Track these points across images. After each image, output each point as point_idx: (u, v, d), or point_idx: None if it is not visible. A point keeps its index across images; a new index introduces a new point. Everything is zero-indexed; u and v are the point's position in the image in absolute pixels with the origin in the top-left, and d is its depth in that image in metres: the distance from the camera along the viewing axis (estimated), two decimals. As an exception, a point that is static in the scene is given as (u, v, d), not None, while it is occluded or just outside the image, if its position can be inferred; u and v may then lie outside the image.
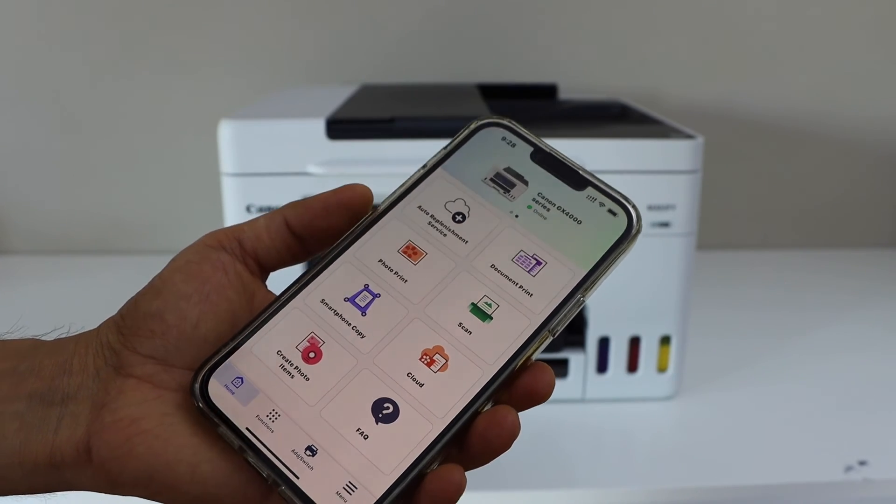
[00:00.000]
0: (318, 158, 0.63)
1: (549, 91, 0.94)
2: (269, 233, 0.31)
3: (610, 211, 0.29)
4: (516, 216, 0.28)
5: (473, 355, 0.26)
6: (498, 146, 0.29)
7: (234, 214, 0.64)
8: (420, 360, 0.26)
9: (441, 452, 0.25)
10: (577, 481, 0.60)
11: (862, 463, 0.61)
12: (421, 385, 0.25)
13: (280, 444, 0.25)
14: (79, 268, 1.08)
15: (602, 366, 0.70)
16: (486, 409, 0.26)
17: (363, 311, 0.27)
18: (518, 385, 0.26)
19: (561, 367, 0.70)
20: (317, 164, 0.63)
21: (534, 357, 0.27)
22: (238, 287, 0.30)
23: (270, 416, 0.25)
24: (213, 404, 0.26)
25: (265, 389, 0.26)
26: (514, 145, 0.30)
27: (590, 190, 0.28)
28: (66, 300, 0.96)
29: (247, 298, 0.30)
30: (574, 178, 0.29)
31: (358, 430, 0.25)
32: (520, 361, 0.26)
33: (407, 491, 0.24)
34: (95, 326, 0.30)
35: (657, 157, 0.64)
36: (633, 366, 0.70)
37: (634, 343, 0.69)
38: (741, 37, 1.06)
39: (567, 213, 0.28)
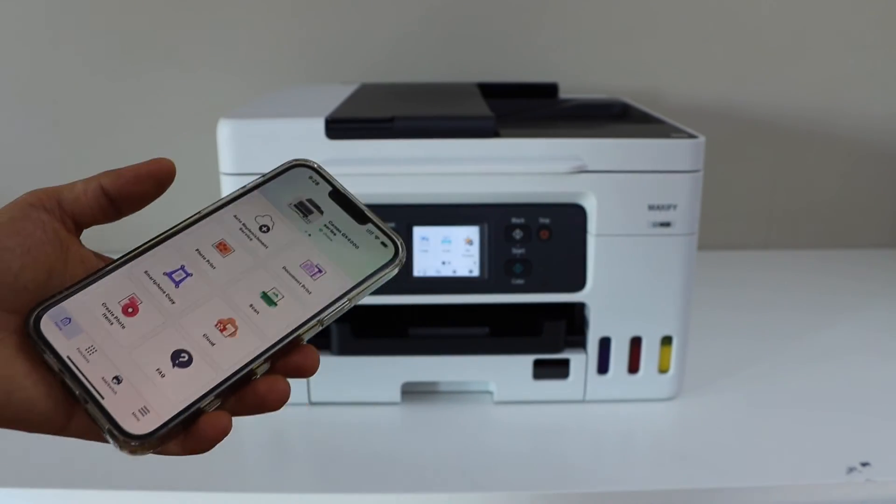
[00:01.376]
0: (318, 158, 0.62)
1: (549, 90, 0.94)
2: (86, 195, 0.36)
3: (382, 243, 0.36)
4: (309, 235, 0.36)
5: (257, 329, 0.34)
6: (305, 182, 0.38)
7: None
8: (215, 326, 0.33)
9: (220, 396, 0.32)
10: (577, 482, 0.60)
11: (864, 464, 0.61)
12: (213, 344, 0.33)
13: (92, 372, 0.31)
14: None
15: (603, 366, 0.70)
16: (261, 369, 0.34)
17: (177, 284, 0.35)
18: (290, 359, 0.34)
19: (562, 368, 0.69)
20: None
21: (305, 339, 0.35)
22: (55, 242, 0.34)
23: (89, 350, 0.32)
24: (43, 335, 0.32)
25: (87, 330, 0.33)
26: (317, 183, 0.38)
27: (369, 225, 0.37)
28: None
29: (62, 252, 0.34)
30: (359, 214, 0.37)
31: (157, 370, 0.32)
32: (292, 338, 0.34)
33: (187, 421, 0.31)
34: None
35: (658, 156, 0.64)
36: (634, 366, 0.70)
37: (635, 344, 0.69)
38: (742, 36, 1.05)
39: (349, 239, 0.36)
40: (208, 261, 0.36)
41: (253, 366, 0.33)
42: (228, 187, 0.64)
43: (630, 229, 0.65)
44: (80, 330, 0.33)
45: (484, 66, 1.05)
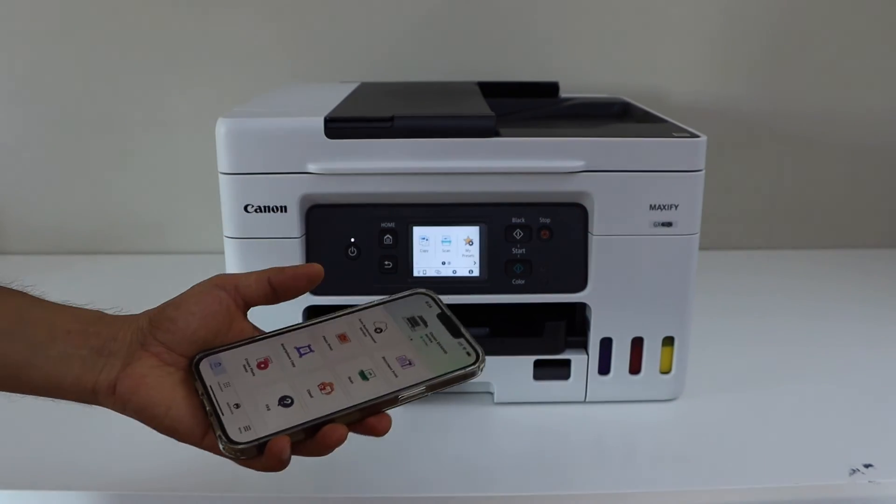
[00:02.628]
0: (317, 157, 0.63)
1: (550, 89, 0.94)
2: (256, 283, 0.49)
3: (467, 352, 0.47)
4: (411, 339, 0.48)
5: (348, 393, 0.45)
6: (421, 304, 0.50)
7: (231, 214, 0.64)
8: (318, 385, 0.45)
9: (304, 432, 0.43)
10: (578, 483, 0.59)
11: (867, 466, 0.61)
12: (311, 396, 0.44)
13: (222, 398, 0.44)
14: (76, 268, 1.07)
15: (604, 367, 0.69)
16: (341, 421, 0.44)
17: (301, 355, 0.48)
18: (368, 420, 0.45)
19: (563, 369, 0.69)
20: (315, 162, 0.63)
21: (384, 409, 0.45)
22: (226, 314, 0.48)
23: (225, 385, 0.45)
24: (199, 370, 0.46)
25: (229, 372, 0.46)
26: (430, 306, 0.50)
27: (461, 339, 0.48)
28: (64, 299, 0.95)
29: (229, 322, 0.48)
30: (455, 330, 0.48)
31: (266, 405, 0.44)
32: (371, 405, 0.44)
33: (264, 443, 0.42)
34: (140, 312, 0.48)
35: (660, 156, 0.63)
36: (635, 367, 0.69)
37: (637, 344, 0.69)
38: (744, 36, 1.05)
39: (441, 346, 0.47)
40: (329, 344, 0.48)
41: (335, 416, 0.43)
42: (227, 187, 0.63)
43: (631, 229, 0.65)
44: (224, 371, 0.46)
45: (484, 65, 1.05)
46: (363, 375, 0.46)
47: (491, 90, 0.85)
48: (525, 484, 0.59)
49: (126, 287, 1.01)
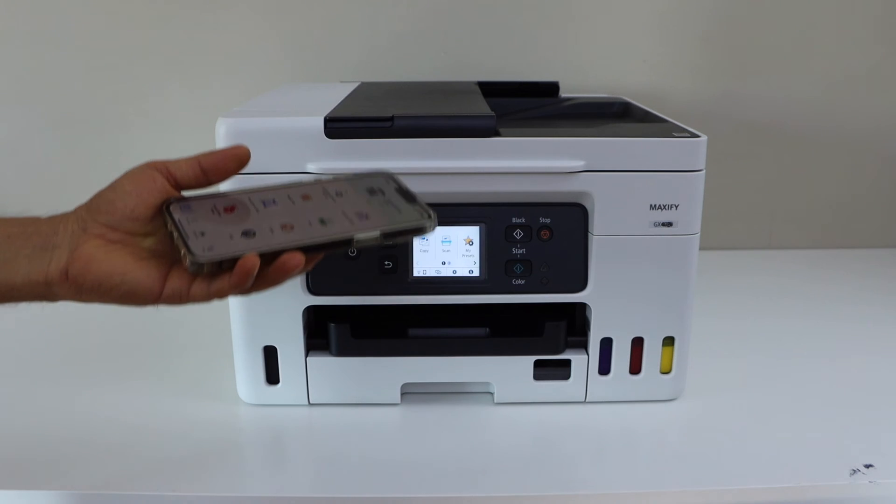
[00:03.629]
0: (317, 157, 0.63)
1: (550, 89, 0.94)
2: (187, 165, 0.51)
3: (420, 213, 0.50)
4: (368, 202, 0.52)
5: (306, 232, 0.49)
6: (380, 180, 0.54)
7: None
8: (280, 225, 0.49)
9: (262, 257, 0.47)
10: (578, 483, 0.59)
11: (867, 466, 0.61)
12: (272, 231, 0.48)
13: (190, 228, 0.48)
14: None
15: (604, 367, 0.69)
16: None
17: (265, 205, 0.51)
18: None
19: (563, 369, 0.69)
20: (315, 162, 0.63)
21: (340, 251, 0.49)
22: (162, 192, 0.50)
23: (193, 220, 0.49)
24: (170, 210, 0.49)
25: (196, 212, 0.50)
26: (389, 182, 0.54)
27: (416, 205, 0.51)
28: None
29: (165, 198, 0.50)
30: (411, 198, 0.52)
31: (230, 235, 0.48)
32: (328, 243, 0.48)
33: (229, 263, 0.47)
34: (72, 210, 0.50)
35: (660, 155, 0.63)
36: (635, 367, 0.69)
37: (637, 344, 0.68)
38: (744, 36, 1.05)
39: (396, 207, 0.51)
40: (292, 201, 0.52)
41: (290, 247, 0.48)
42: (227, 187, 0.63)
43: (631, 229, 0.65)
44: (192, 211, 0.50)
45: (484, 65, 1.05)
46: (322, 221, 0.50)
47: (491, 90, 0.85)
48: (525, 484, 0.59)
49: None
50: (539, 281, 0.66)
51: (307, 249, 0.48)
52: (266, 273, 0.48)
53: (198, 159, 0.51)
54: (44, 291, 0.48)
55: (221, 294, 0.48)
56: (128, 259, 0.48)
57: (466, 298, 0.66)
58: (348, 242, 0.49)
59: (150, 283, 0.48)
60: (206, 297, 0.48)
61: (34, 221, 0.49)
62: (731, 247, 1.14)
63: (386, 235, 0.49)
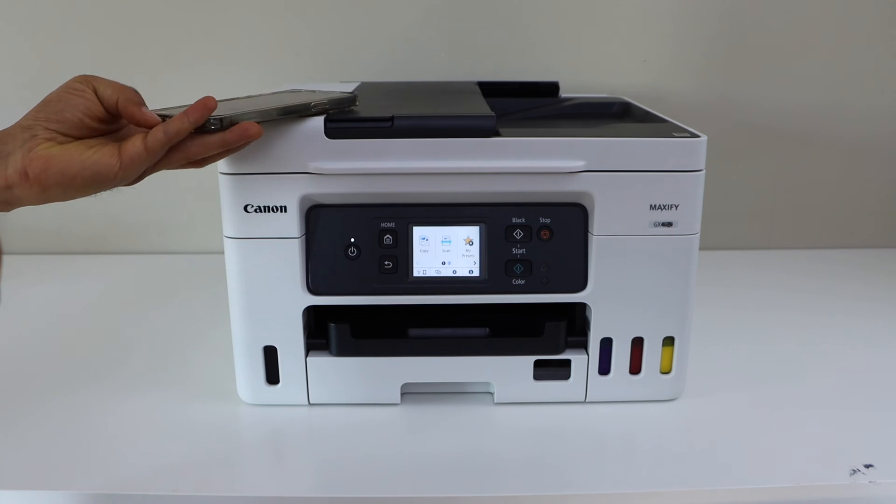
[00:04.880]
0: (317, 157, 0.63)
1: (550, 89, 0.94)
2: (110, 95, 0.56)
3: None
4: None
5: (257, 104, 0.61)
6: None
7: (231, 214, 0.64)
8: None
9: (219, 121, 0.56)
10: (578, 484, 0.59)
11: (868, 466, 0.61)
12: (234, 112, 0.57)
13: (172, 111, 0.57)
14: (76, 268, 1.07)
15: (604, 367, 0.69)
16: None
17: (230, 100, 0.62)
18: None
19: (563, 369, 0.69)
20: (315, 162, 0.63)
21: (303, 113, 0.62)
22: (98, 103, 0.55)
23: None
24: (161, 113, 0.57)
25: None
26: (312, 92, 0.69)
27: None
28: (64, 299, 0.96)
29: (106, 112, 0.56)
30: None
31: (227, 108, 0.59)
32: (292, 108, 0.62)
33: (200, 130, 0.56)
34: (17, 121, 0.55)
35: (660, 155, 0.63)
36: (635, 367, 0.69)
37: (637, 344, 0.68)
38: (744, 36, 1.05)
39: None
40: (250, 98, 0.65)
41: (254, 114, 0.58)
42: (227, 187, 0.63)
43: (631, 229, 0.65)
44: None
45: (484, 65, 1.05)
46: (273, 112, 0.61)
47: (491, 90, 0.85)
48: (525, 484, 0.59)
49: (126, 287, 1.01)
50: (539, 281, 0.66)
51: (283, 113, 0.60)
52: (225, 135, 0.56)
53: (117, 94, 0.56)
54: (6, 197, 0.52)
55: (179, 131, 0.54)
56: (81, 148, 0.53)
57: (466, 298, 0.66)
58: (307, 106, 0.62)
59: (109, 160, 0.53)
60: (164, 141, 0.54)
61: None
62: (731, 247, 1.14)
63: (332, 103, 0.63)
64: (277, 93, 0.69)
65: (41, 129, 0.53)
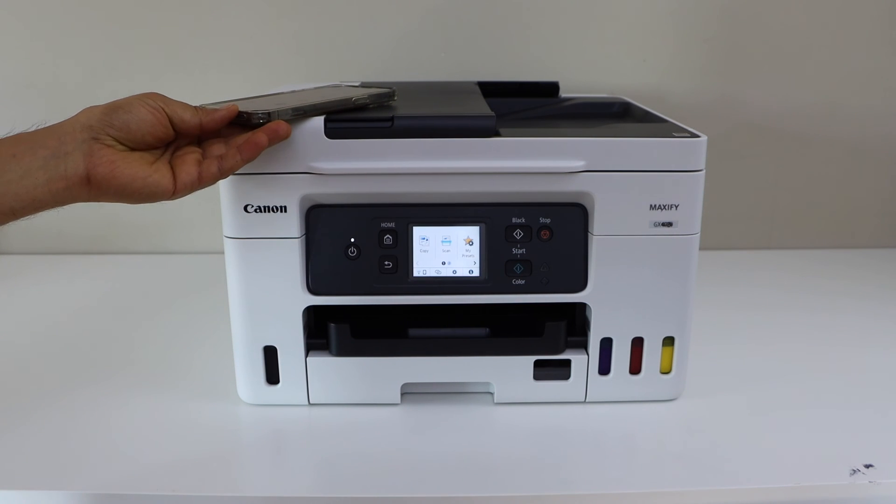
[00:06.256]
0: (317, 157, 0.63)
1: (550, 89, 0.93)
2: (191, 119, 0.58)
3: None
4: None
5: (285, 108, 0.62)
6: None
7: (231, 214, 0.64)
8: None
9: (267, 115, 0.59)
10: (578, 484, 0.59)
11: (868, 466, 0.61)
12: (279, 107, 0.61)
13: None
14: (75, 268, 1.07)
15: (604, 367, 0.69)
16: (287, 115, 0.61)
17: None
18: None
19: (563, 369, 0.69)
20: (315, 162, 0.63)
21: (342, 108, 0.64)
22: (166, 127, 0.57)
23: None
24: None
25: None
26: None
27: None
28: (64, 300, 0.95)
29: (168, 134, 0.57)
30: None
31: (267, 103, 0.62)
32: (309, 109, 0.62)
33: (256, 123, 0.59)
34: (71, 117, 0.55)
35: (660, 155, 0.63)
36: (635, 367, 0.69)
37: (637, 344, 0.68)
38: (744, 36, 1.05)
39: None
40: (284, 93, 0.68)
41: (286, 113, 0.61)
42: (227, 188, 0.63)
43: (631, 229, 0.65)
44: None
45: (484, 65, 1.05)
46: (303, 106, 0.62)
47: (491, 90, 0.85)
48: (525, 484, 0.59)
49: (126, 287, 1.01)
50: (539, 281, 0.66)
51: (323, 109, 0.62)
52: (256, 137, 0.57)
53: (199, 116, 0.58)
54: (65, 197, 0.53)
55: (232, 168, 0.57)
56: (143, 164, 0.55)
57: (466, 298, 0.66)
58: (348, 101, 0.64)
59: (166, 184, 0.55)
60: (218, 176, 0.57)
61: (32, 136, 0.53)
62: (731, 247, 1.14)
63: (371, 97, 0.65)
64: (318, 88, 0.72)
65: (104, 135, 0.54)
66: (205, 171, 0.57)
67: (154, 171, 0.55)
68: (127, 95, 0.57)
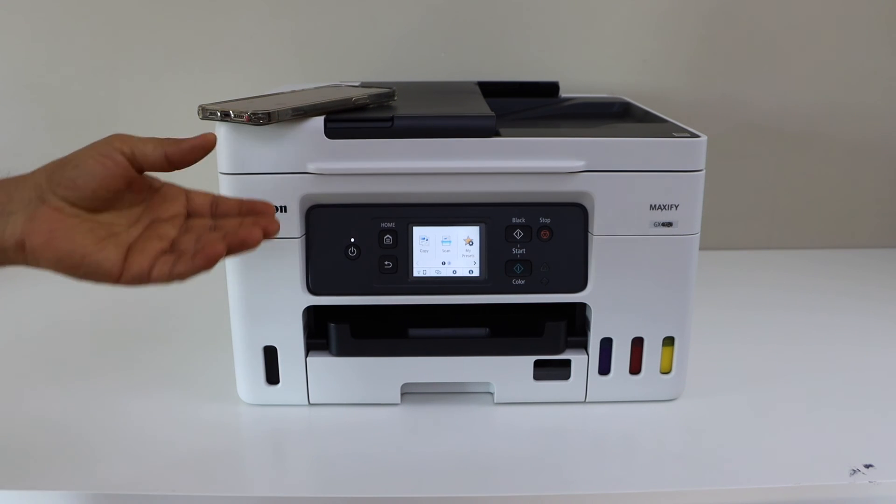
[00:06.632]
0: (317, 157, 0.63)
1: (550, 89, 0.93)
2: (153, 153, 0.52)
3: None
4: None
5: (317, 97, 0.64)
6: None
7: (231, 214, 0.64)
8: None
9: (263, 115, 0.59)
10: (578, 484, 0.59)
11: (867, 466, 0.61)
12: (279, 107, 0.60)
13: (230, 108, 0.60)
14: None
15: (604, 367, 0.69)
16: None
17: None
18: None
19: (563, 369, 0.69)
20: (315, 162, 0.63)
21: (342, 108, 0.64)
22: (124, 176, 0.51)
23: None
24: (207, 110, 0.60)
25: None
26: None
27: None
28: (63, 300, 0.95)
29: (127, 183, 0.51)
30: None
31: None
32: (333, 104, 0.63)
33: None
34: (33, 171, 0.51)
35: (660, 155, 0.63)
36: (635, 367, 0.69)
37: (637, 344, 0.68)
38: (744, 35, 1.05)
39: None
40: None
41: (286, 113, 0.60)
42: (227, 188, 0.63)
43: (631, 229, 0.65)
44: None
45: (484, 65, 1.05)
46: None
47: (491, 90, 0.85)
48: (525, 484, 0.59)
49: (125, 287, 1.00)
50: (539, 281, 0.66)
51: (324, 109, 0.62)
52: (212, 249, 0.50)
53: (163, 147, 0.52)
54: (1, 259, 0.49)
55: (183, 275, 0.49)
56: (88, 237, 0.48)
57: (466, 298, 0.66)
58: (348, 101, 0.63)
59: (111, 266, 0.48)
60: (168, 278, 0.49)
61: None
62: (731, 247, 1.14)
63: (371, 97, 0.65)
64: (318, 88, 0.72)
65: (51, 194, 0.49)
66: (156, 269, 0.49)
67: (99, 248, 0.48)
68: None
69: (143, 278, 0.49)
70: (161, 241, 0.51)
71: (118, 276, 0.49)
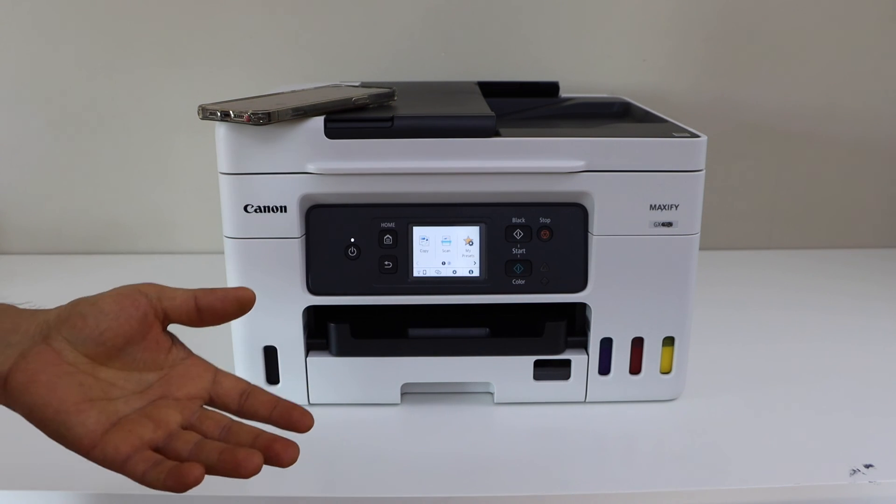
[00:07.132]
0: (317, 157, 0.63)
1: (550, 89, 0.94)
2: (181, 300, 0.47)
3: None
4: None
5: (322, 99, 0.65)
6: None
7: (231, 214, 0.64)
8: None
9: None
10: (578, 484, 0.59)
11: (868, 466, 0.61)
12: (279, 107, 0.61)
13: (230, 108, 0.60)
14: (75, 268, 1.07)
15: (604, 367, 0.69)
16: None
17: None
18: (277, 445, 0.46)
19: (563, 369, 0.69)
20: (315, 162, 0.63)
21: (341, 107, 0.64)
22: (142, 322, 0.45)
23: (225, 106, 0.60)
24: (207, 109, 0.59)
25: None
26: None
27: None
28: (64, 299, 0.95)
29: (144, 331, 0.45)
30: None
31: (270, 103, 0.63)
32: (334, 103, 0.64)
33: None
34: (52, 308, 0.46)
35: (660, 155, 0.63)
36: (635, 367, 0.69)
37: (637, 344, 0.68)
38: (744, 36, 1.05)
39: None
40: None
41: (286, 113, 0.60)
42: (227, 188, 0.63)
43: (631, 229, 0.65)
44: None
45: (484, 65, 1.05)
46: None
47: (491, 90, 0.85)
48: (525, 484, 0.59)
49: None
50: (539, 281, 0.66)
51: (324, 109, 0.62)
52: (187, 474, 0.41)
53: (195, 297, 0.46)
54: None
55: (152, 486, 0.41)
56: (73, 392, 0.42)
57: (466, 298, 0.66)
58: (348, 101, 0.63)
59: (84, 434, 0.41)
60: (140, 479, 0.41)
61: (4, 310, 0.45)
62: (731, 247, 1.14)
63: (371, 97, 0.65)
64: (318, 88, 0.72)
65: (56, 333, 0.44)
66: (132, 462, 0.41)
67: (78, 410, 0.41)
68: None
69: (115, 465, 0.41)
70: (156, 430, 0.43)
71: (88, 449, 0.41)
